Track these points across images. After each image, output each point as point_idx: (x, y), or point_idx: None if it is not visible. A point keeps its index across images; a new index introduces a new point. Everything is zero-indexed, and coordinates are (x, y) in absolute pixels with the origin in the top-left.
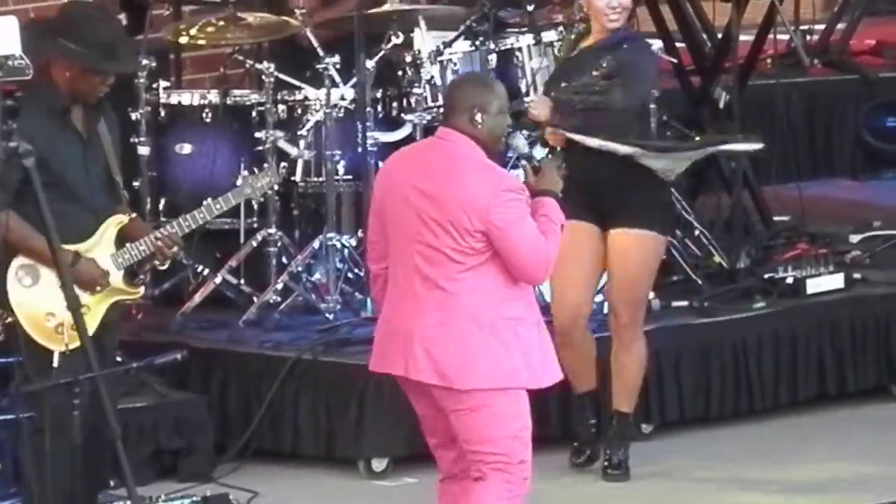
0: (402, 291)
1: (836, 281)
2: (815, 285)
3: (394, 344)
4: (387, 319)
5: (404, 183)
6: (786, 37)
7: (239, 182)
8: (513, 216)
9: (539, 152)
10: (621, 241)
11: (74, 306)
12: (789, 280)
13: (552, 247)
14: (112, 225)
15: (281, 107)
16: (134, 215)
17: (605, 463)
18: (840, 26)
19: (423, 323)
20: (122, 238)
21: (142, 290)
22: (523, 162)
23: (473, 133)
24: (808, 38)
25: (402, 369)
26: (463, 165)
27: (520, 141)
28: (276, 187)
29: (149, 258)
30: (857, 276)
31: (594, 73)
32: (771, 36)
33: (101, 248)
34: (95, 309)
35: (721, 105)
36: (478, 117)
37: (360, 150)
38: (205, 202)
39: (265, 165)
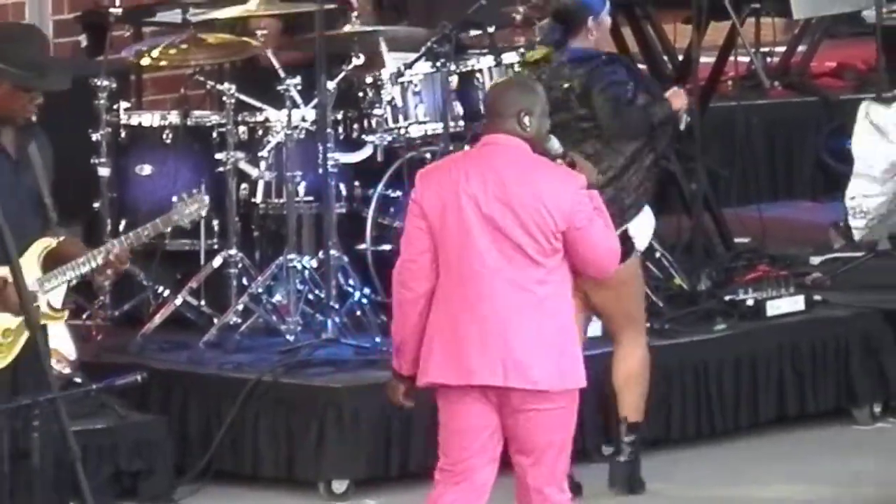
0: (471, 302)
1: (796, 303)
2: (775, 307)
3: (477, 354)
4: (455, 331)
5: (469, 193)
6: (746, 59)
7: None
8: (589, 213)
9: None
10: None
11: (34, 326)
12: (750, 302)
13: (614, 236)
14: (39, 248)
15: (242, 128)
16: (62, 238)
17: None
18: (801, 49)
19: (519, 328)
20: (54, 261)
21: (66, 314)
22: (559, 161)
23: (523, 136)
24: (769, 60)
25: (500, 378)
26: (533, 168)
27: (554, 143)
28: (203, 213)
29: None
30: (817, 298)
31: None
32: (732, 58)
33: (26, 271)
34: (19, 333)
35: (682, 127)
36: (525, 120)
37: (320, 171)
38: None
39: (194, 192)
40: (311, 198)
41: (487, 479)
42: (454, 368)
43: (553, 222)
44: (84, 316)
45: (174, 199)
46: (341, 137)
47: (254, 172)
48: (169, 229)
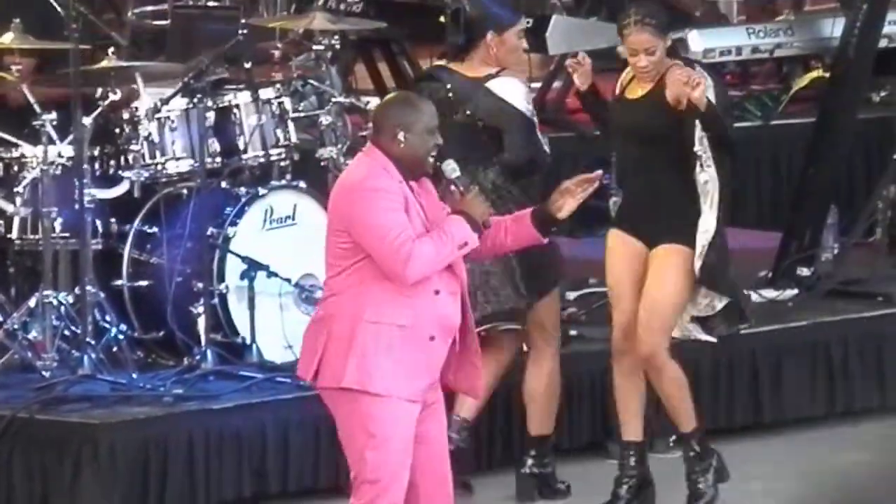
0: None
1: None
2: None
3: None
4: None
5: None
6: None
7: None
8: (364, 213)
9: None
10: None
11: None
12: None
13: (427, 248)
14: None
15: None
16: None
17: None
18: (556, 84)
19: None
20: None
21: None
22: (452, 187)
23: (394, 152)
24: None
25: None
26: (346, 175)
27: (449, 166)
28: None
29: None
30: (573, 332)
31: None
32: None
33: None
34: None
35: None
36: (400, 136)
37: (77, 207)
38: None
39: None
40: (67, 234)
41: None
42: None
43: (338, 221)
44: None
45: None
46: (98, 173)
47: (9, 208)
48: None
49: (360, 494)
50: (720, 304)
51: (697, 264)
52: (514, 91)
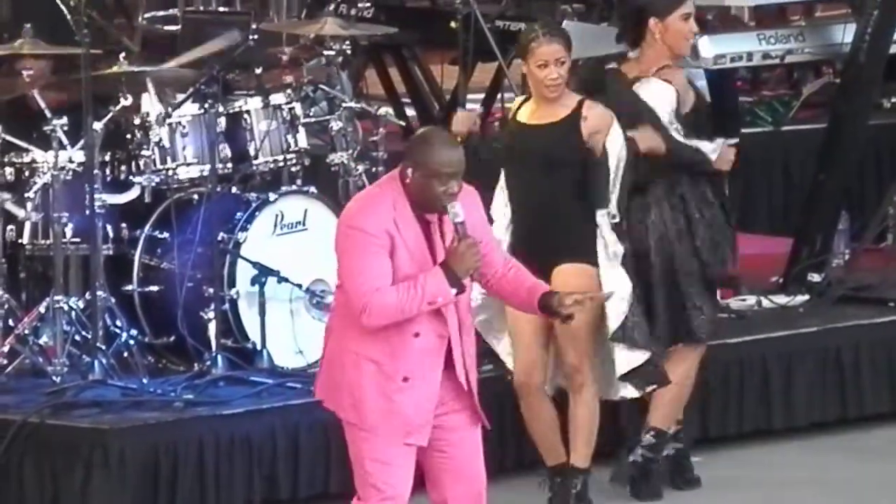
0: None
1: None
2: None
3: None
4: None
5: None
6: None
7: None
8: (344, 249)
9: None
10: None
11: None
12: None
13: (388, 300)
14: None
15: (8, 169)
16: None
17: None
18: None
19: None
20: None
21: None
22: (454, 233)
23: (405, 185)
24: None
25: None
26: (354, 200)
27: (454, 209)
28: None
29: None
30: None
31: None
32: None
33: None
34: None
35: None
36: (408, 172)
37: (88, 212)
38: None
39: None
40: (78, 239)
41: None
42: None
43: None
44: None
45: None
46: (109, 178)
47: (20, 213)
48: None
49: (363, 499)
50: (641, 358)
51: (614, 325)
52: (656, 95)
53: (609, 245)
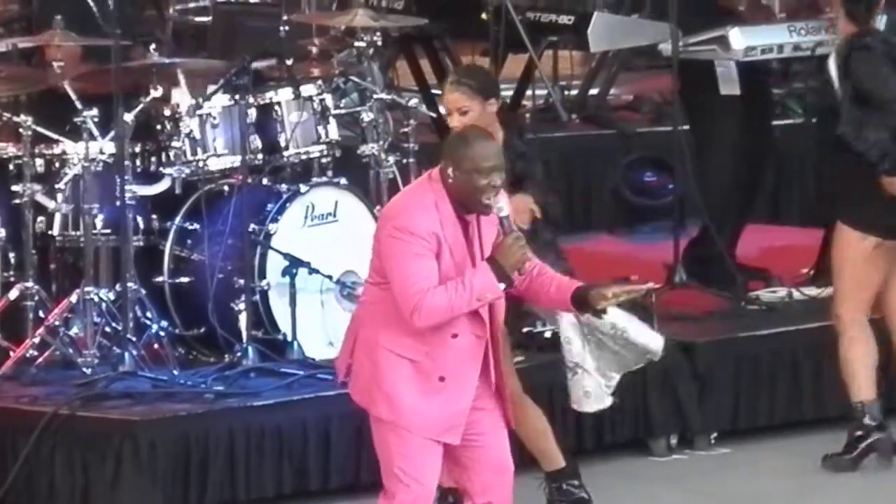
0: None
1: None
2: None
3: None
4: None
5: None
6: (544, 92)
7: None
8: (392, 251)
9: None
10: None
11: None
12: (547, 334)
13: (439, 300)
14: None
15: (39, 160)
16: None
17: None
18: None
19: None
20: None
21: None
22: (499, 227)
23: (446, 185)
24: (566, 93)
25: None
26: (397, 198)
27: (498, 203)
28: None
29: None
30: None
31: None
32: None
33: None
34: None
35: None
36: (449, 171)
37: (118, 203)
38: None
39: None
40: (108, 230)
41: None
42: None
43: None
44: None
45: None
46: (139, 170)
47: (51, 205)
48: None
49: (387, 496)
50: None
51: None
52: None
53: None
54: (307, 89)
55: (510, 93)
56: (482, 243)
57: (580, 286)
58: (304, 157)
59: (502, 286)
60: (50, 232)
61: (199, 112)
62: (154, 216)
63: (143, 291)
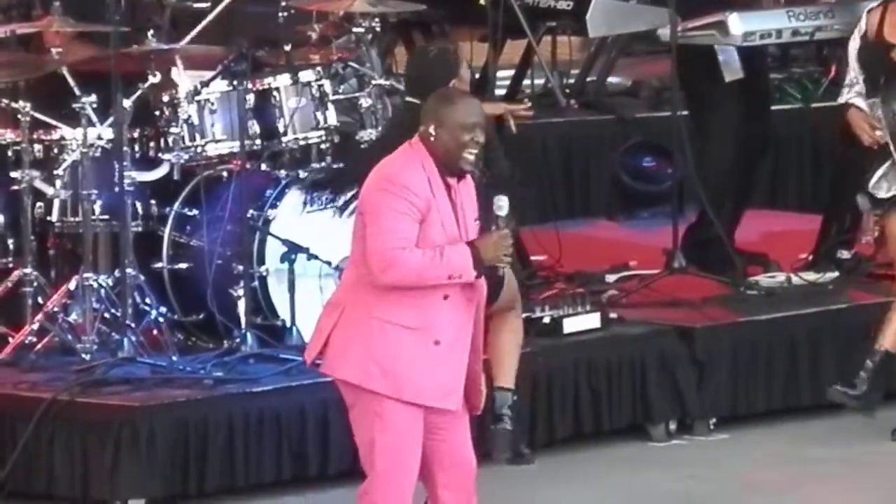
0: None
1: (592, 321)
2: (571, 325)
3: None
4: None
5: None
6: (543, 78)
7: None
8: (378, 204)
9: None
10: None
11: None
12: (546, 319)
13: (414, 261)
14: None
15: (37, 146)
16: None
17: None
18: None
19: None
20: None
21: None
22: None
23: (429, 146)
24: (565, 79)
25: None
26: (384, 162)
27: (499, 201)
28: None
29: None
30: (613, 315)
31: None
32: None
33: None
34: None
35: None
36: (431, 129)
37: (117, 189)
38: None
39: None
40: (107, 216)
41: None
42: None
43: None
44: None
45: None
46: (138, 156)
47: (49, 191)
48: None
49: (370, 482)
50: None
51: None
52: None
53: None
54: (305, 75)
55: (509, 78)
56: (464, 210)
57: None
58: (302, 142)
59: (474, 274)
60: (49, 218)
61: (197, 98)
62: (153, 202)
63: (142, 277)
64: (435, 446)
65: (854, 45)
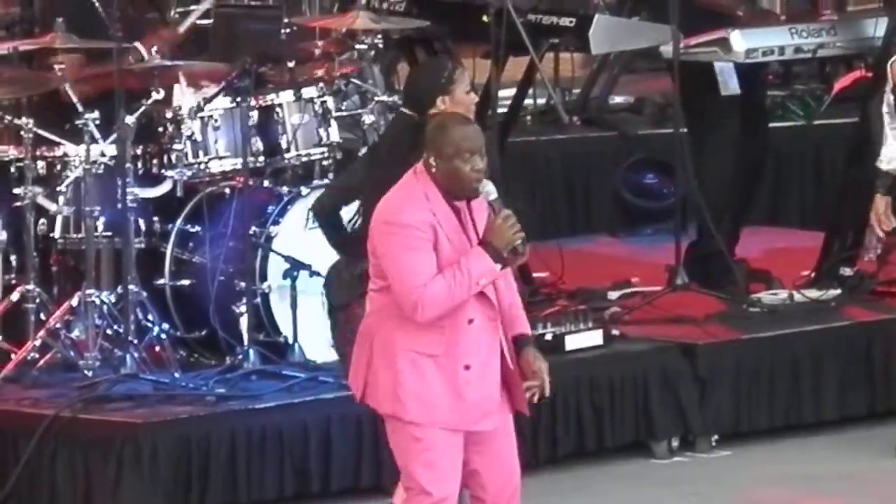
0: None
1: (594, 337)
2: (574, 342)
3: None
4: None
5: None
6: (545, 94)
7: None
8: (386, 248)
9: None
10: None
11: None
12: (548, 336)
13: (439, 290)
14: None
15: (40, 163)
16: None
17: None
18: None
19: None
20: None
21: None
22: (489, 210)
23: (431, 175)
24: (567, 95)
25: None
26: (385, 200)
27: (486, 187)
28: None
29: None
30: (615, 332)
31: None
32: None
33: None
34: None
35: None
36: (431, 160)
37: (119, 206)
38: None
39: None
40: (109, 233)
41: None
42: None
43: (373, 255)
44: None
45: None
46: (140, 172)
47: (52, 207)
48: None
49: (409, 500)
50: None
51: None
52: None
53: None
54: (308, 92)
55: (511, 95)
56: (476, 228)
57: (520, 336)
58: (305, 159)
59: (498, 267)
60: (51, 234)
61: (200, 114)
62: (155, 218)
63: (145, 294)
64: (478, 460)
65: (889, 98)
